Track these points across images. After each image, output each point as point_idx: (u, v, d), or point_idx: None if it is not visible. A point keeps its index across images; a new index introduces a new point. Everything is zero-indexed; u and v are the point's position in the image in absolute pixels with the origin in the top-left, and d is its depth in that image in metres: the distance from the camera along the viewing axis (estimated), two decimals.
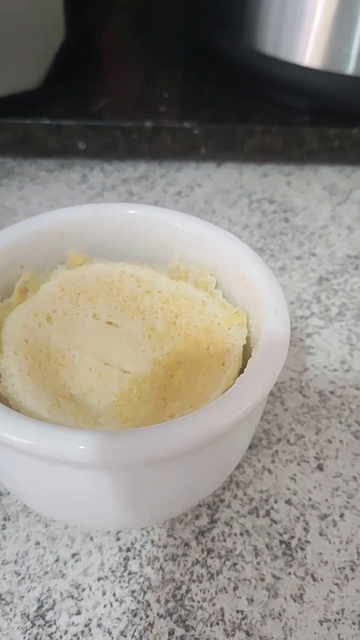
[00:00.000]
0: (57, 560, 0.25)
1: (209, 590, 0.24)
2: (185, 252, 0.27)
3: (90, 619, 0.23)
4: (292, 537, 0.26)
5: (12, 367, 0.22)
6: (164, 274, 0.27)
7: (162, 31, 0.60)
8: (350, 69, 0.44)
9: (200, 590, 0.24)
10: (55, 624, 0.23)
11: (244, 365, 0.24)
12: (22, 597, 0.24)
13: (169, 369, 0.24)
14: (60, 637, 0.23)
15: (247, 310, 0.25)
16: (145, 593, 0.24)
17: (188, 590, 0.24)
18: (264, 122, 0.46)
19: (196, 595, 0.24)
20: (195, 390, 0.23)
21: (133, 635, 0.23)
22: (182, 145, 0.46)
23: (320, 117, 0.46)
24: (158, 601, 0.24)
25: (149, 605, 0.24)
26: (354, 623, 0.23)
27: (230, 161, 0.49)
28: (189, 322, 0.25)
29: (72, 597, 0.24)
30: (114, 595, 0.24)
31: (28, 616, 0.23)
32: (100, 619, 0.23)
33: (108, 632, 0.23)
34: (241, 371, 0.23)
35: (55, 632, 0.23)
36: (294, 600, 0.24)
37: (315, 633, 0.23)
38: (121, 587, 0.24)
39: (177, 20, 0.58)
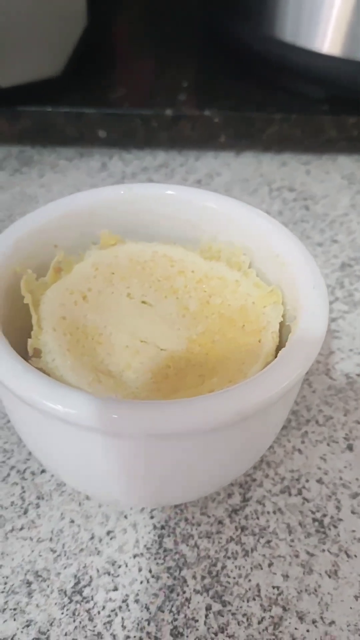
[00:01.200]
0: (92, 537, 0.25)
1: (244, 567, 0.24)
2: (217, 232, 0.27)
3: (127, 595, 0.23)
4: (324, 515, 0.26)
5: (52, 343, 0.22)
6: (196, 253, 0.27)
7: (178, 19, 0.60)
8: None
9: (236, 566, 0.24)
10: (92, 599, 0.23)
11: (281, 343, 0.24)
12: (59, 573, 0.24)
13: (203, 347, 0.24)
14: (98, 612, 0.23)
15: (282, 288, 0.25)
16: (181, 570, 0.24)
17: (223, 567, 0.24)
18: (282, 111, 0.46)
19: (232, 571, 0.24)
20: (232, 366, 0.23)
21: (170, 611, 0.23)
22: (202, 133, 0.46)
23: (339, 106, 0.46)
24: (194, 577, 0.24)
25: (185, 581, 0.24)
26: None
27: (248, 150, 0.49)
28: (223, 302, 0.25)
29: (109, 573, 0.24)
30: (150, 571, 0.24)
31: (65, 592, 0.23)
32: (137, 594, 0.23)
33: (145, 607, 0.23)
34: (279, 349, 0.23)
35: (93, 607, 0.23)
36: (329, 577, 0.24)
37: (351, 608, 0.23)
38: (157, 563, 0.24)
39: (193, 8, 0.58)
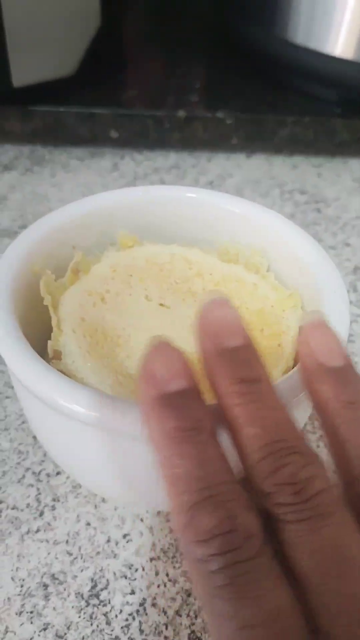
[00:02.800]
0: (108, 540, 0.25)
1: None
2: (234, 234, 0.27)
3: (144, 599, 0.23)
4: None
5: (72, 345, 0.22)
6: (214, 256, 0.27)
7: (190, 20, 0.60)
8: None
9: None
10: (109, 603, 0.23)
11: None
12: (76, 576, 0.24)
13: None
14: (116, 616, 0.23)
15: (302, 292, 0.25)
16: None
17: None
18: (295, 113, 0.46)
19: None
20: None
21: (188, 615, 0.23)
22: (214, 135, 0.46)
23: (351, 109, 0.46)
24: None
25: None
26: None
27: (260, 152, 0.49)
28: (241, 305, 0.25)
29: (125, 577, 0.24)
30: (167, 575, 0.24)
31: (82, 595, 0.23)
32: (155, 598, 0.23)
33: (163, 611, 0.23)
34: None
35: (110, 611, 0.23)
36: None
37: None
38: (174, 567, 0.24)
39: (205, 11, 0.58)
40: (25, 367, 0.19)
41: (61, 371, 0.21)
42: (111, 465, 0.21)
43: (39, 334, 0.23)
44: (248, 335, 0.18)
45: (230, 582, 0.14)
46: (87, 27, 0.43)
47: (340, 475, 0.17)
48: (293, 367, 0.23)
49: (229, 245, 0.27)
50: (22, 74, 0.41)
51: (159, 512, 0.26)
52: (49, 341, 0.22)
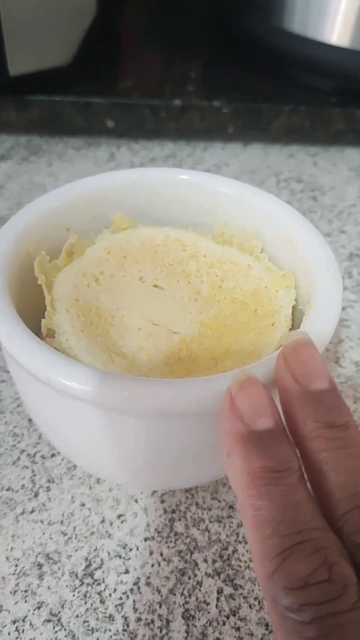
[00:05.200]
0: (102, 521, 0.25)
1: None
2: (229, 217, 0.27)
3: (138, 578, 0.23)
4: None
5: (65, 324, 0.22)
6: (208, 238, 0.27)
7: (186, 11, 0.59)
8: None
9: (247, 550, 0.24)
10: (104, 582, 0.23)
11: (294, 327, 0.24)
12: (70, 556, 0.24)
13: (215, 331, 0.24)
14: (110, 594, 0.23)
15: (295, 273, 0.25)
16: (192, 553, 0.24)
17: (235, 551, 0.24)
18: (291, 102, 0.46)
19: (243, 555, 0.24)
20: (245, 349, 0.23)
21: (182, 594, 0.23)
22: (210, 124, 0.46)
23: (347, 98, 0.46)
24: (205, 561, 0.24)
25: (196, 564, 0.24)
26: None
27: (256, 142, 0.49)
28: (235, 286, 0.25)
29: (120, 556, 0.24)
30: (161, 555, 0.24)
31: (76, 575, 0.23)
32: (149, 577, 0.23)
33: (157, 590, 0.23)
34: (292, 330, 0.23)
35: (105, 590, 0.23)
36: None
37: None
38: (168, 547, 0.24)
39: (202, 0, 0.58)
40: (20, 345, 0.19)
41: (55, 349, 0.22)
42: (106, 443, 0.21)
43: (33, 314, 0.23)
44: (333, 380, 0.17)
45: (325, 635, 0.13)
46: (84, 16, 0.43)
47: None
48: None
49: (224, 227, 0.27)
50: (18, 63, 0.41)
51: (153, 493, 0.26)
52: (42, 320, 0.22)
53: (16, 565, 0.23)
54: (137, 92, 0.45)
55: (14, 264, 0.23)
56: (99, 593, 0.23)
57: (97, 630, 0.22)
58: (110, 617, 0.22)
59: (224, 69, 0.50)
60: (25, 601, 0.22)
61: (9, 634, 0.22)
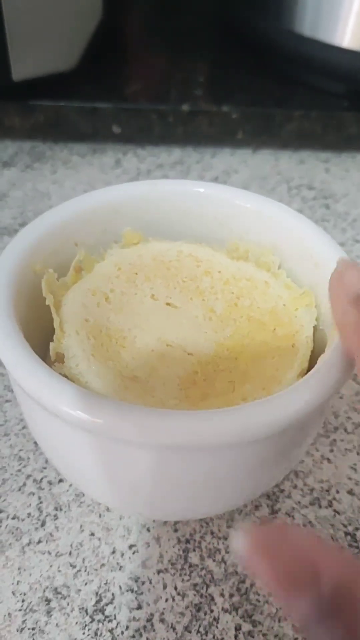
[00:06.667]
0: (113, 552, 0.24)
1: None
2: (245, 231, 0.26)
3: (152, 614, 0.22)
4: (357, 529, 0.25)
5: (75, 347, 0.21)
6: (223, 253, 0.26)
7: (194, 12, 0.58)
8: None
9: None
10: (115, 618, 0.22)
11: (315, 348, 0.22)
12: (79, 590, 0.23)
13: (232, 352, 0.23)
14: (122, 632, 0.22)
15: (316, 290, 0.23)
16: (208, 587, 0.23)
17: (252, 584, 0.23)
18: (302, 107, 0.44)
19: (261, 588, 0.23)
20: (265, 372, 0.21)
21: (198, 631, 0.22)
22: (219, 129, 0.44)
23: (359, 102, 0.45)
24: (222, 595, 0.23)
25: (212, 599, 0.22)
26: None
27: (265, 147, 0.47)
28: (252, 304, 0.24)
29: (132, 590, 0.23)
30: (176, 588, 0.23)
31: (86, 610, 0.22)
32: (163, 613, 0.22)
33: (172, 627, 0.22)
34: (313, 354, 0.22)
35: (116, 627, 0.22)
36: None
37: None
38: (182, 580, 0.23)
39: (209, 2, 0.57)
40: (27, 373, 0.18)
41: (64, 375, 0.20)
42: (116, 475, 0.20)
43: (41, 335, 0.22)
44: None
45: None
46: (89, 20, 0.42)
47: None
48: (308, 370, 0.21)
49: (239, 241, 0.26)
50: (22, 68, 0.39)
51: (166, 522, 0.24)
52: (51, 343, 0.21)
53: (23, 601, 0.22)
54: (144, 97, 0.44)
55: (21, 283, 0.22)
56: (111, 631, 0.22)
57: None
58: None
59: (233, 72, 0.49)
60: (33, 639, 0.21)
61: None
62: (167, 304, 0.24)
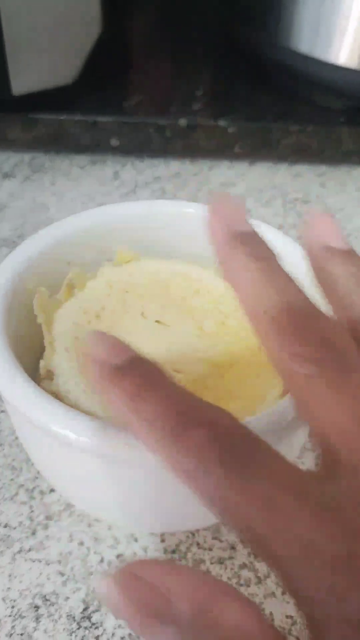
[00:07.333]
0: (101, 561, 0.24)
1: (257, 595, 0.24)
2: None
3: None
4: None
5: (65, 365, 0.22)
6: (213, 272, 0.27)
7: (193, 27, 0.59)
8: None
9: (249, 594, 0.24)
10: (102, 625, 0.23)
11: None
12: (68, 598, 0.23)
13: (220, 370, 0.24)
14: (108, 639, 0.22)
15: None
16: None
17: None
18: (299, 122, 0.45)
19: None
20: (250, 391, 0.22)
21: None
22: (216, 143, 0.45)
23: (356, 118, 0.46)
24: None
25: None
26: None
27: (262, 161, 0.48)
28: (239, 323, 0.25)
29: None
30: None
31: (74, 617, 0.23)
32: None
33: None
34: None
35: (102, 634, 0.22)
36: None
37: None
38: None
39: (209, 17, 0.58)
40: (17, 391, 0.19)
41: (52, 392, 0.21)
42: (105, 489, 0.21)
43: (32, 352, 0.23)
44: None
45: None
46: (88, 34, 0.43)
47: None
48: None
49: None
50: (22, 83, 0.40)
51: (152, 533, 0.25)
52: (41, 360, 0.22)
53: (12, 607, 0.23)
54: (142, 111, 0.45)
55: (13, 301, 0.23)
56: (97, 637, 0.22)
57: None
58: None
59: (231, 87, 0.49)
60: None
61: None
62: (157, 321, 0.25)
